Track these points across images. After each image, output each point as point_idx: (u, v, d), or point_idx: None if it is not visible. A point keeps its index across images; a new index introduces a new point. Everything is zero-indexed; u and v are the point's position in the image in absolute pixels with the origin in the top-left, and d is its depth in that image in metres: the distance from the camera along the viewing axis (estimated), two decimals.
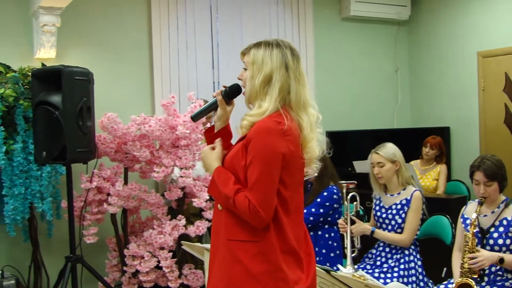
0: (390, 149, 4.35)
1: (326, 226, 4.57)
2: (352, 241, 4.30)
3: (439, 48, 7.52)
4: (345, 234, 4.30)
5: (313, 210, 4.47)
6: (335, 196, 4.52)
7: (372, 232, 4.28)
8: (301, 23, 6.96)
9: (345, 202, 4.36)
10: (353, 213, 4.36)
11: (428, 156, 6.33)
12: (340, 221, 4.35)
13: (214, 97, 2.64)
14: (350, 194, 4.35)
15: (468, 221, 3.77)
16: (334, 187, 4.55)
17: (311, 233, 4.52)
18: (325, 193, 4.52)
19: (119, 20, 5.87)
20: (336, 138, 6.90)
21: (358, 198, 4.39)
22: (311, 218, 4.44)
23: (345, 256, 4.62)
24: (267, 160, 2.34)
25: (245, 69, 2.56)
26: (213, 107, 2.66)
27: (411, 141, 6.64)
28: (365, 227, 4.31)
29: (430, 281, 4.24)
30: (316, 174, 4.46)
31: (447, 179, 6.28)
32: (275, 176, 2.37)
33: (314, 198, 4.53)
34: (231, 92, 2.63)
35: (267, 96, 2.44)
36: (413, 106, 7.94)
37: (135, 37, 5.96)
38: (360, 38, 7.57)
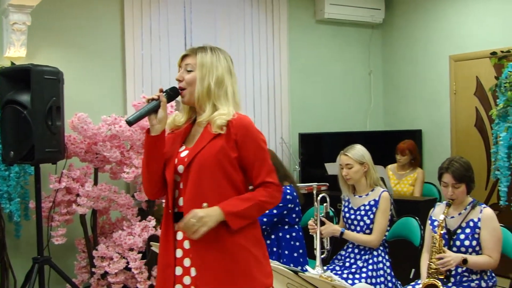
0: (358, 150, 4.37)
1: (286, 227, 4.58)
2: (322, 243, 4.31)
3: (412, 52, 7.58)
4: (314, 236, 4.30)
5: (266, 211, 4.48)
6: (288, 196, 4.53)
7: (342, 233, 4.30)
8: (276, 25, 6.96)
9: (315, 204, 4.37)
10: (323, 215, 4.36)
11: (401, 163, 6.36)
12: (310, 222, 4.35)
13: (155, 99, 2.64)
14: (320, 196, 4.36)
15: (435, 223, 3.80)
16: (288, 187, 4.56)
17: (272, 236, 4.55)
18: None
19: (91, 20, 5.82)
20: (309, 141, 6.96)
21: (328, 200, 4.39)
22: (265, 219, 4.44)
23: (309, 256, 4.64)
24: (265, 147, 2.66)
25: (188, 71, 2.65)
26: (153, 110, 2.63)
27: (383, 144, 6.70)
28: (334, 228, 4.33)
29: (399, 282, 4.26)
30: None
31: (423, 184, 6.32)
32: None
33: None
34: (174, 94, 2.69)
35: (222, 98, 2.63)
36: (386, 109, 7.99)
37: (108, 37, 5.92)
38: (334, 41, 7.59)
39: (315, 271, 3.84)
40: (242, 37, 6.73)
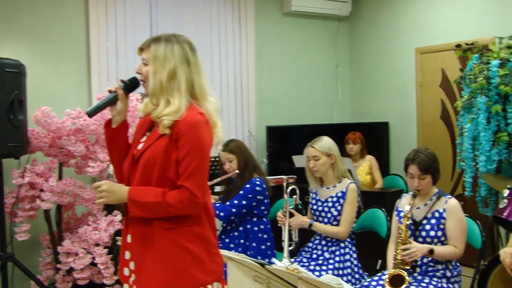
0: (325, 142, 4.38)
1: (255, 219, 4.60)
2: (290, 235, 4.31)
3: (379, 44, 7.62)
4: (283, 227, 4.30)
5: (235, 202, 4.50)
6: (258, 188, 4.55)
7: (310, 225, 4.30)
8: (242, 18, 6.94)
9: (285, 196, 4.37)
10: (292, 207, 4.37)
11: (353, 152, 6.40)
12: (279, 213, 4.35)
13: (113, 91, 2.65)
14: (290, 188, 4.36)
15: (401, 214, 3.82)
16: (258, 179, 4.58)
17: (240, 228, 4.57)
18: (247, 185, 4.54)
19: (55, 13, 5.71)
20: (277, 133, 6.96)
21: (298, 192, 4.39)
22: (234, 210, 4.47)
23: (277, 248, 4.65)
24: (202, 152, 2.53)
25: (145, 64, 2.61)
26: (110, 102, 2.65)
27: None
28: (303, 220, 4.33)
29: (366, 273, 4.29)
30: (237, 171, 4.52)
31: (381, 170, 6.36)
32: (208, 165, 2.60)
33: (238, 192, 4.56)
34: (132, 86, 2.69)
35: (175, 92, 2.55)
36: (353, 101, 8.02)
37: (72, 30, 5.82)
38: (301, 34, 7.60)
39: (281, 263, 3.83)
40: (209, 29, 6.69)
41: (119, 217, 4.87)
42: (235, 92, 6.89)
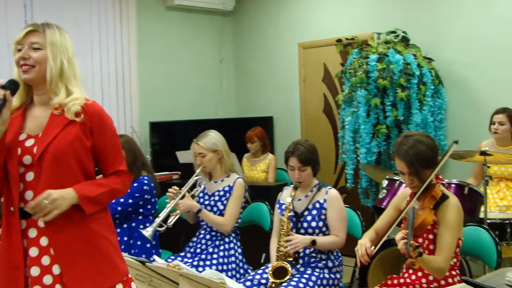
0: (211, 138, 4.34)
1: (140, 218, 4.51)
2: (168, 216, 4.20)
3: (263, 39, 7.69)
4: (168, 205, 4.19)
5: (121, 200, 4.37)
6: (145, 187, 4.47)
7: (200, 210, 4.22)
8: (124, 11, 6.75)
9: (192, 178, 4.32)
10: (192, 193, 4.33)
11: (252, 150, 6.44)
12: (171, 189, 4.22)
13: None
14: (197, 177, 4.35)
15: (283, 206, 3.85)
16: (146, 177, 4.51)
17: (124, 225, 4.46)
18: (135, 184, 4.43)
19: None
20: (161, 129, 6.87)
21: (203, 186, 4.39)
22: (119, 208, 4.37)
23: (163, 247, 4.58)
24: (118, 137, 2.68)
25: (36, 49, 2.48)
26: None
27: (236, 131, 6.71)
28: (193, 204, 4.23)
29: (250, 267, 4.30)
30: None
31: (275, 170, 6.43)
32: None
33: None
34: (16, 89, 2.48)
35: (72, 79, 2.52)
36: (237, 96, 8.06)
37: None
38: (185, 28, 7.53)
39: (162, 260, 3.76)
40: (89, 22, 6.46)
41: None
42: (117, 87, 6.71)
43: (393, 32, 5.86)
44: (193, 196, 4.35)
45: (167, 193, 4.25)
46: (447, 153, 3.16)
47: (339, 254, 3.93)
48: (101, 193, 2.50)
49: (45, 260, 2.44)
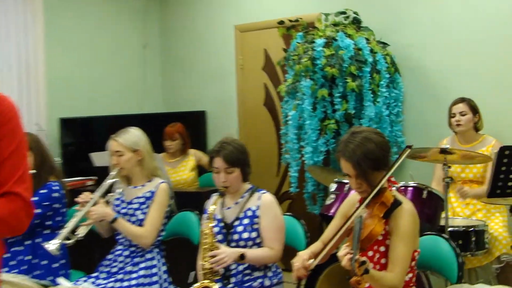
0: (132, 136, 4.29)
1: (47, 232, 4.37)
2: (77, 227, 4.11)
3: (194, 22, 7.64)
4: (77, 213, 4.11)
5: None
6: (55, 194, 4.33)
7: (115, 219, 4.14)
8: None
9: (105, 182, 4.23)
10: (107, 199, 4.27)
11: (172, 149, 6.38)
12: (82, 195, 4.14)
13: None
14: (113, 181, 4.26)
15: (206, 216, 3.81)
16: (55, 183, 4.37)
17: (28, 242, 4.31)
18: (42, 191, 4.30)
19: None
20: (73, 127, 6.75)
21: (120, 191, 4.34)
22: None
23: (75, 266, 4.48)
24: (26, 146, 2.30)
25: None
26: None
27: (163, 127, 6.64)
28: (108, 212, 4.14)
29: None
30: (34, 171, 4.25)
31: (197, 167, 6.41)
32: None
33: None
34: None
35: None
36: (165, 88, 8.00)
37: None
38: (102, 10, 7.45)
39: (69, 283, 3.67)
40: None
41: None
42: (19, 78, 6.51)
43: (343, 13, 5.89)
44: (107, 203, 4.27)
45: (77, 199, 4.16)
46: (399, 158, 3.15)
47: (279, 270, 3.91)
48: None
49: None
